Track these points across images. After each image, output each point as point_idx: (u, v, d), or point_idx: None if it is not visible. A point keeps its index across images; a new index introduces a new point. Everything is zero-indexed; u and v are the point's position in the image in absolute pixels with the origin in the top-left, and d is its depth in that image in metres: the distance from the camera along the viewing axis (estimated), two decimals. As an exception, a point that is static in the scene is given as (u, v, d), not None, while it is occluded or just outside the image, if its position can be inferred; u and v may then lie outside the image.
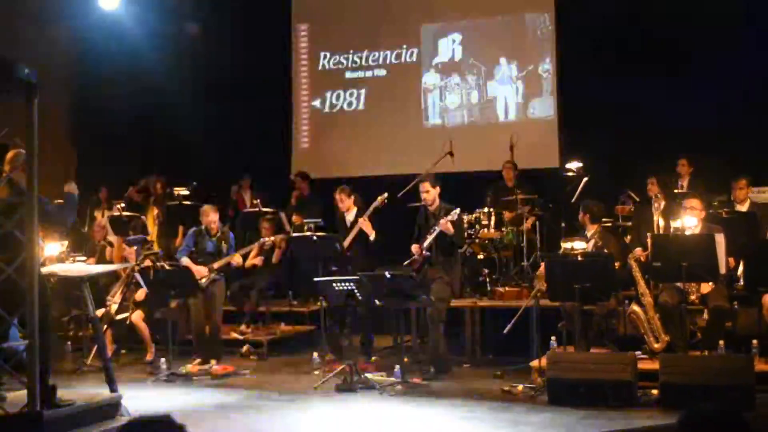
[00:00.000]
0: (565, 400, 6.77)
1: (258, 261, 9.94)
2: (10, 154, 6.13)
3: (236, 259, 9.04)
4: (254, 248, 9.78)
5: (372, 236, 8.82)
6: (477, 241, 9.83)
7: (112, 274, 9.55)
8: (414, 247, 8.38)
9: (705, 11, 10.26)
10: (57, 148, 12.94)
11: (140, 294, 9.27)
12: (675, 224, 7.80)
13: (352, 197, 9.20)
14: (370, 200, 9.16)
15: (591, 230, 8.17)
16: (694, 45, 10.41)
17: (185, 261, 8.92)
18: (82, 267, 8.05)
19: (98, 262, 9.81)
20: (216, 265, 8.88)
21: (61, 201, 6.37)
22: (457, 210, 8.26)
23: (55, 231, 6.92)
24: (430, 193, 8.38)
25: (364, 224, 8.80)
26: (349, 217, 9.15)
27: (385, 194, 8.95)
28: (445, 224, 8.08)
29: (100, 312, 8.77)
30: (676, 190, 9.60)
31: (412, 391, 7.54)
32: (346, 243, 8.86)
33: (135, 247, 9.47)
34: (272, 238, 9.85)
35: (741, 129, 10.13)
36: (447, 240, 8.23)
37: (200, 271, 8.80)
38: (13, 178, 5.76)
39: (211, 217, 9.05)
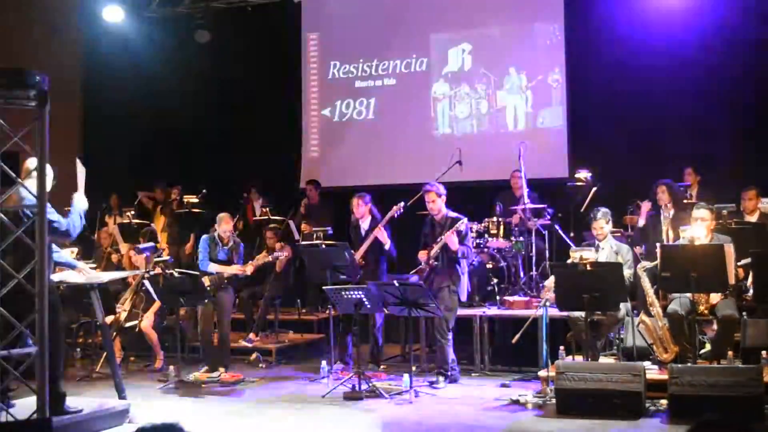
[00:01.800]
0: (574, 410, 6.77)
1: (236, 270, 9.01)
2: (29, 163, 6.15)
3: (248, 269, 9.02)
4: (262, 259, 9.78)
5: (387, 245, 8.83)
6: (485, 250, 9.83)
7: (121, 281, 9.58)
8: (421, 254, 8.37)
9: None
10: (64, 154, 12.98)
11: (157, 304, 9.31)
12: (684, 234, 7.77)
13: (369, 205, 9.19)
14: (378, 209, 9.18)
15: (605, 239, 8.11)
16: (703, 52, 10.39)
17: (214, 267, 8.92)
18: (91, 274, 8.06)
19: (104, 269, 9.83)
20: (225, 274, 8.90)
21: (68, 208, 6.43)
22: (465, 219, 8.25)
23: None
24: (436, 203, 8.36)
25: (380, 233, 8.81)
26: (364, 225, 9.14)
27: (401, 203, 8.94)
28: (450, 236, 8.08)
29: (109, 319, 8.80)
30: (685, 200, 9.57)
31: (421, 400, 7.55)
32: (360, 251, 8.86)
33: (145, 255, 9.50)
34: (284, 252, 9.73)
35: (751, 139, 10.09)
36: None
37: (240, 269, 8.93)
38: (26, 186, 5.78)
39: (225, 225, 9.04)
